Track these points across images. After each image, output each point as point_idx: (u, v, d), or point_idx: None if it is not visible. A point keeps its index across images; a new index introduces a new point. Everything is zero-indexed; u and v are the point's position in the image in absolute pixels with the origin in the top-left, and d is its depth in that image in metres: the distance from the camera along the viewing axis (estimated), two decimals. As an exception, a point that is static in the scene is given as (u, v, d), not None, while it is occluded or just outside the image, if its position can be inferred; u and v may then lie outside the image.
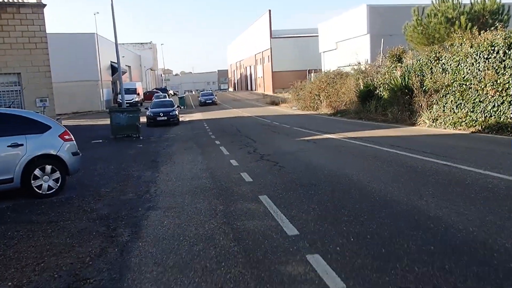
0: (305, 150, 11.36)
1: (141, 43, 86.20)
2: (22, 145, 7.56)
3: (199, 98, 47.71)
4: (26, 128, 7.74)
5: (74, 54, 42.60)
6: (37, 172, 7.69)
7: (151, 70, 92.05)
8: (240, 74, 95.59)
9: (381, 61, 24.43)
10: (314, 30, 60.88)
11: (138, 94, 52.54)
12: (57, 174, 7.90)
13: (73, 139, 8.33)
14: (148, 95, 56.72)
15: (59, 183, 7.92)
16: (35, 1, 17.31)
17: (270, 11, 64.25)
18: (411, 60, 20.09)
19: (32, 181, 7.64)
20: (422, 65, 18.51)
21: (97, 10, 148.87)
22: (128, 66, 64.09)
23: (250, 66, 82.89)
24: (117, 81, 55.90)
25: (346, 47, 48.29)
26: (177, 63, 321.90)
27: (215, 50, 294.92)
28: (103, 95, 46.65)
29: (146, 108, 27.09)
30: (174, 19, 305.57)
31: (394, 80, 19.25)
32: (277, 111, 33.28)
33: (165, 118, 25.33)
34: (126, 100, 49.00)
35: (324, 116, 25.49)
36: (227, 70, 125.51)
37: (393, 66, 21.07)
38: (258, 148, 12.51)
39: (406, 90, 18.44)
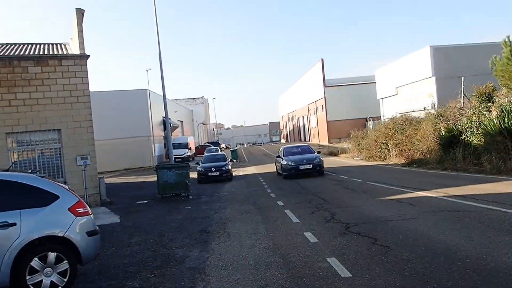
0: (405, 217, 8.31)
1: (193, 98, 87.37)
2: (14, 224, 5.25)
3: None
4: (22, 199, 5.47)
5: (127, 111, 42.43)
6: (35, 263, 5.31)
7: (203, 124, 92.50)
8: (293, 125, 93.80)
9: (463, 102, 21.16)
10: (368, 78, 58.43)
11: (190, 148, 51.49)
12: (64, 265, 5.47)
13: (90, 212, 5.91)
14: (200, 149, 55.70)
15: (67, 278, 5.47)
16: (78, 53, 16.05)
17: (322, 60, 62.73)
18: (506, 98, 16.82)
19: (28, 277, 5.26)
20: (524, 103, 15.26)
21: (149, 67, 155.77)
22: (181, 121, 64.03)
23: (303, 117, 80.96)
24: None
25: (408, 92, 45.17)
26: (229, 117, 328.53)
27: (266, 102, 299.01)
28: (154, 150, 45.83)
29: (197, 163, 25.05)
30: (225, 74, 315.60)
31: (490, 123, 15.93)
32: (339, 163, 30.24)
33: (217, 173, 23.10)
34: (178, 155, 48.38)
35: (396, 168, 22.18)
36: (278, 122, 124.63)
37: (482, 106, 17.80)
38: (336, 212, 9.62)
39: (507, 135, 15.08)
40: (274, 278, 5.38)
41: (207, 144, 67.95)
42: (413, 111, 38.08)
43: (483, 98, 18.12)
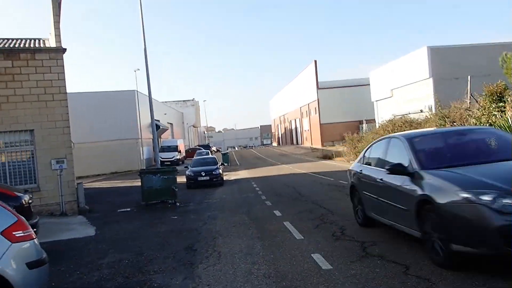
0: None
1: (184, 101, 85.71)
2: None
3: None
4: None
5: (114, 112, 40.85)
6: None
7: (194, 127, 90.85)
8: (285, 128, 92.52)
9: (469, 102, 19.96)
10: (363, 80, 57.36)
11: (180, 151, 49.88)
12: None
13: (33, 235, 4.44)
14: (190, 152, 53.99)
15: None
16: (54, 46, 14.52)
17: (316, 61, 61.60)
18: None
19: None
20: (541, 102, 14.05)
21: (139, 67, 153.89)
22: (170, 124, 62.40)
23: (295, 120, 79.68)
24: (158, 139, 54.12)
25: (403, 94, 44.11)
26: (220, 120, 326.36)
27: (257, 105, 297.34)
28: (143, 153, 44.18)
29: (186, 167, 23.57)
30: (216, 77, 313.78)
31: (505, 123, 14.67)
32: (335, 167, 28.94)
33: (208, 177, 21.63)
34: (167, 158, 46.70)
35: (398, 172, 20.88)
36: (270, 125, 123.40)
37: (494, 106, 16.58)
38: (346, 226, 8.22)
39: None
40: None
41: (197, 147, 66.32)
42: (409, 113, 36.95)
43: (494, 98, 16.90)
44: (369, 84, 52.72)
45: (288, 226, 8.82)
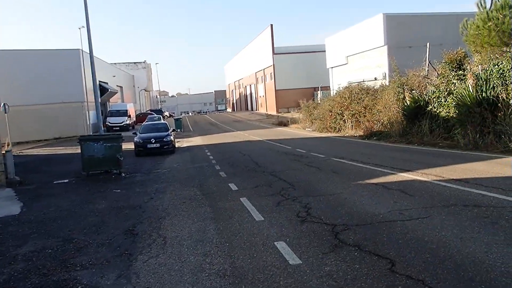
0: (410, 215, 5.94)
1: (135, 63, 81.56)
2: None
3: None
4: None
5: (57, 73, 37.77)
6: None
7: (146, 91, 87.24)
8: (239, 93, 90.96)
9: (427, 70, 19.51)
10: (319, 47, 56.55)
11: (130, 116, 47.43)
12: None
13: None
14: (141, 117, 51.52)
15: None
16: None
17: (272, 25, 59.95)
18: (479, 66, 15.19)
19: None
20: (504, 71, 13.63)
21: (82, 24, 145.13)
22: (120, 87, 59.17)
23: (250, 85, 78.25)
24: (107, 103, 51.14)
25: (359, 61, 43.80)
26: (173, 85, 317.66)
27: (212, 70, 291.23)
28: (89, 118, 41.45)
29: (134, 133, 21.95)
30: (169, 39, 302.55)
31: (465, 92, 14.22)
32: (291, 134, 28.20)
33: (158, 145, 20.17)
34: (115, 123, 44.29)
35: (356, 140, 20.39)
36: (224, 90, 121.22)
37: (453, 74, 16.12)
38: (310, 204, 7.28)
39: (487, 105, 13.45)
40: None
41: (149, 111, 63.70)
42: (363, 81, 36.68)
43: (454, 65, 16.45)
44: (325, 51, 52.00)
45: (245, 204, 7.78)
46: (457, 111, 14.91)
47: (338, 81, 45.34)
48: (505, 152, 11.84)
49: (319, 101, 37.72)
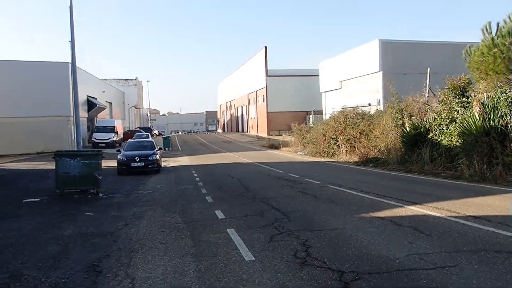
0: (433, 262, 4.90)
1: (126, 79, 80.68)
2: None
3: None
4: None
5: (45, 86, 36.63)
6: None
7: (136, 108, 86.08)
8: (231, 114, 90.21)
9: (427, 96, 18.81)
10: (313, 71, 56.28)
11: (117, 133, 46.11)
12: None
13: None
14: (129, 134, 50.17)
15: None
16: None
17: (266, 47, 59.69)
18: (485, 93, 14.45)
19: None
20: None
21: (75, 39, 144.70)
22: (109, 103, 58.03)
23: (242, 107, 77.58)
24: (94, 118, 49.85)
25: (353, 86, 43.45)
26: (164, 104, 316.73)
27: (204, 91, 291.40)
28: (75, 133, 40.14)
29: (118, 150, 20.79)
30: (162, 58, 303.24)
31: (472, 120, 13.41)
32: (282, 157, 27.20)
33: (142, 163, 19.03)
34: (102, 139, 42.91)
35: (351, 166, 19.44)
36: (216, 111, 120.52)
37: (456, 101, 15.36)
38: (309, 241, 6.19)
39: (495, 135, 12.62)
40: None
41: (137, 129, 62.41)
42: (357, 106, 36.10)
43: (457, 92, 15.72)
44: (318, 75, 51.69)
45: (233, 237, 6.68)
46: (461, 140, 14.08)
47: (331, 106, 44.84)
48: (516, 185, 10.94)
49: (311, 125, 36.98)
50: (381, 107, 31.47)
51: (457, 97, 15.62)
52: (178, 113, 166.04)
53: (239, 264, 5.29)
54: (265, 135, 56.18)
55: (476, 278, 4.44)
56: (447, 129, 15.58)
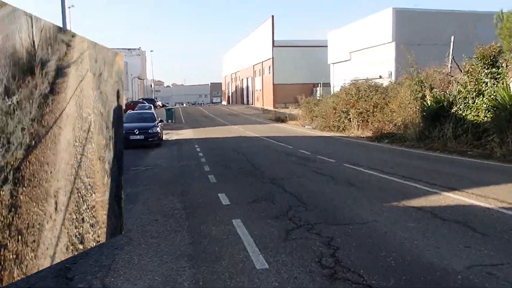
0: (504, 277, 3.69)
1: (129, 49, 78.79)
2: None
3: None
4: None
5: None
6: None
7: (139, 79, 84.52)
8: (236, 86, 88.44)
9: (450, 67, 17.31)
10: (321, 41, 54.18)
11: (119, 104, 44.75)
12: None
13: None
14: (132, 105, 48.86)
15: None
16: None
17: (273, 17, 57.50)
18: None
19: None
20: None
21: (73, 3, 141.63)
22: (111, 73, 56.44)
23: (247, 78, 75.76)
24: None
25: (362, 57, 41.57)
26: (169, 75, 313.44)
27: (209, 62, 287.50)
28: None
29: (117, 123, 19.53)
30: (167, 27, 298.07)
31: (506, 93, 12.01)
32: (290, 131, 25.93)
33: (142, 136, 17.87)
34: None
35: (364, 142, 18.17)
36: (220, 83, 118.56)
37: (487, 72, 13.90)
38: (336, 240, 4.97)
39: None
40: None
41: (140, 100, 61.05)
42: (367, 78, 34.52)
43: (487, 62, 14.23)
44: (327, 46, 49.74)
45: (240, 231, 5.48)
46: (491, 115, 12.72)
47: (339, 78, 43.13)
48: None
49: (319, 97, 35.50)
50: (392, 79, 29.85)
51: (487, 67, 14.16)
52: (182, 84, 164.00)
53: (249, 274, 4.08)
54: (271, 107, 54.73)
55: None
56: (473, 103, 14.20)
